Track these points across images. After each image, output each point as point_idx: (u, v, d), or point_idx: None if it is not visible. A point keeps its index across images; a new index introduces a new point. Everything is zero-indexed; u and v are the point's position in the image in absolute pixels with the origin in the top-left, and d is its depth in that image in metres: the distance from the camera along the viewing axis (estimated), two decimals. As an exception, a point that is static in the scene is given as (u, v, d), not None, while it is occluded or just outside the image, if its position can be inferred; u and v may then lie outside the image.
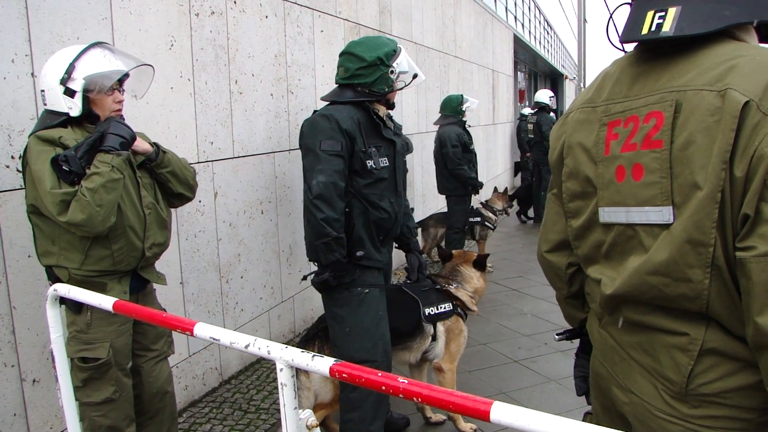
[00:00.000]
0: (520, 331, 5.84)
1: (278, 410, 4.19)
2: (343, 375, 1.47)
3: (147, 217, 2.80)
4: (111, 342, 2.73)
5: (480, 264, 4.03)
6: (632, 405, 1.56)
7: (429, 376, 4.07)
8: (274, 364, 5.02)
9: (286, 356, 1.56)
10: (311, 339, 3.62)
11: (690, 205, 1.34)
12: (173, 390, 3.14)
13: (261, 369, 4.92)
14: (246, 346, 1.64)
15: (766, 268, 1.24)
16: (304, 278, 3.63)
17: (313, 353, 1.53)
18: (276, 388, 4.49)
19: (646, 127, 1.42)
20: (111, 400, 2.77)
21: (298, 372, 3.57)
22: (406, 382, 1.40)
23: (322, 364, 1.51)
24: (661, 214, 1.39)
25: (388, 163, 3.26)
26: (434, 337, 3.76)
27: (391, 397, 3.66)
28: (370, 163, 3.17)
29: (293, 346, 1.61)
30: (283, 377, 1.57)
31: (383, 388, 1.42)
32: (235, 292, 4.70)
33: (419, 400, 1.37)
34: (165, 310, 3.01)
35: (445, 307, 3.77)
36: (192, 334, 1.75)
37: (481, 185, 7.59)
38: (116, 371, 2.77)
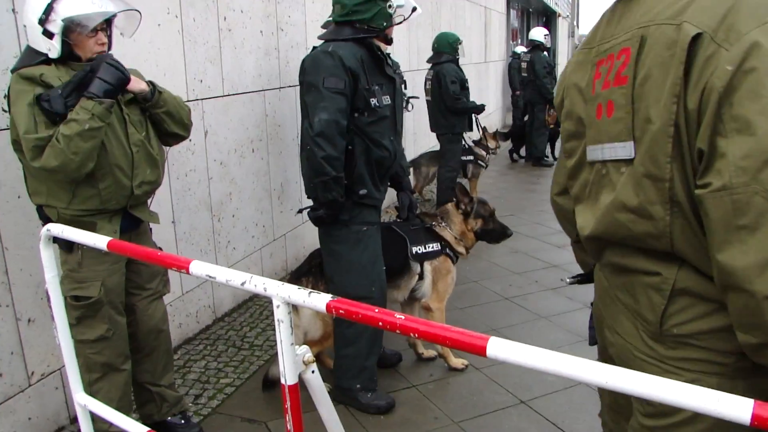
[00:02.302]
0: (511, 269, 5.90)
1: (271, 347, 4.26)
2: (340, 311, 1.48)
3: (135, 155, 2.74)
4: (102, 281, 2.73)
5: (459, 206, 3.92)
6: (617, 346, 1.58)
7: (420, 315, 4.10)
8: (267, 302, 5.06)
9: (282, 293, 1.56)
10: (304, 275, 3.64)
11: (645, 140, 1.34)
12: (168, 328, 3.16)
13: (254, 307, 4.97)
14: (242, 284, 1.64)
15: (721, 204, 1.21)
16: (299, 212, 3.66)
17: (310, 290, 1.54)
18: (269, 325, 4.60)
19: (618, 64, 1.42)
20: (104, 338, 2.78)
21: (287, 309, 3.60)
22: (403, 318, 1.40)
23: (319, 300, 1.51)
24: (626, 149, 1.39)
25: (390, 101, 3.24)
26: (422, 276, 3.79)
27: (384, 334, 3.71)
28: (373, 101, 3.14)
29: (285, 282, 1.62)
30: (280, 314, 1.58)
31: (380, 324, 1.43)
32: (227, 231, 4.70)
33: (416, 335, 1.38)
34: (161, 249, 3.01)
35: (432, 247, 3.78)
36: (188, 272, 1.75)
37: (482, 107, 7.56)
38: (108, 309, 2.78)
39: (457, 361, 3.98)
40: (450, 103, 7.26)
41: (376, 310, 1.44)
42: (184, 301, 4.30)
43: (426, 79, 7.59)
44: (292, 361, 1.62)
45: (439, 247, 3.80)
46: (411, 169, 8.05)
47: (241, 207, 4.87)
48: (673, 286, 1.40)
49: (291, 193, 5.60)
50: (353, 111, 3.13)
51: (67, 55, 2.62)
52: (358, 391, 3.48)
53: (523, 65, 11.37)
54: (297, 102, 5.42)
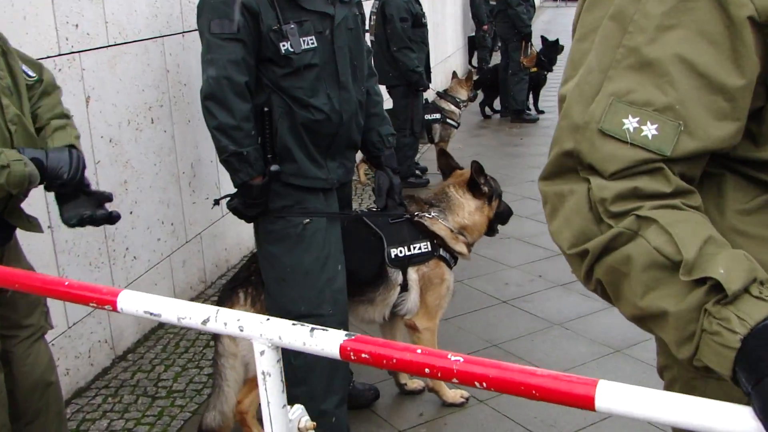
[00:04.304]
0: (505, 261, 5.89)
1: (198, 392, 4.19)
2: (362, 356, 1.35)
3: (13, 134, 2.59)
4: None
5: (474, 185, 3.84)
6: None
7: (404, 338, 4.06)
8: (183, 330, 4.90)
9: (268, 332, 1.43)
10: (241, 285, 3.55)
11: None
12: (57, 379, 3.06)
13: (166, 336, 4.89)
14: (204, 322, 1.48)
15: None
16: (216, 203, 3.63)
17: (312, 326, 1.38)
18: (189, 361, 4.54)
19: None
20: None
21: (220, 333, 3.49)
22: (461, 360, 1.28)
23: (326, 340, 1.39)
24: None
25: (316, 44, 3.18)
26: (405, 287, 3.72)
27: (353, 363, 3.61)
28: (285, 45, 3.10)
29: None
30: (266, 363, 1.45)
31: (427, 371, 1.33)
32: (123, 234, 4.59)
33: (485, 385, 1.27)
34: (32, 268, 2.96)
35: (419, 248, 3.70)
36: (115, 309, 1.56)
37: (425, 85, 7.54)
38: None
39: (455, 394, 3.96)
40: (396, 45, 7.21)
41: (419, 351, 1.33)
42: (70, 337, 4.15)
43: (371, 14, 7.47)
44: (285, 428, 1.51)
45: (429, 248, 3.70)
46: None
47: (141, 199, 4.75)
48: None
49: (205, 177, 5.52)
50: (263, 61, 3.14)
51: None
52: (323, 445, 3.37)
53: (492, -10, 11.41)
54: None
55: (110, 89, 4.45)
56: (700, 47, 1.25)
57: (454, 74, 8.92)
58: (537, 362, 4.29)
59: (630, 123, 1.24)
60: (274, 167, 3.17)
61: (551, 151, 1.35)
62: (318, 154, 3.29)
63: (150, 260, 4.87)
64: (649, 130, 1.24)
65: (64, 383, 4.02)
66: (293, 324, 1.41)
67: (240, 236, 5.99)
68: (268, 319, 1.43)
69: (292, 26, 3.11)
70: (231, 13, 3.01)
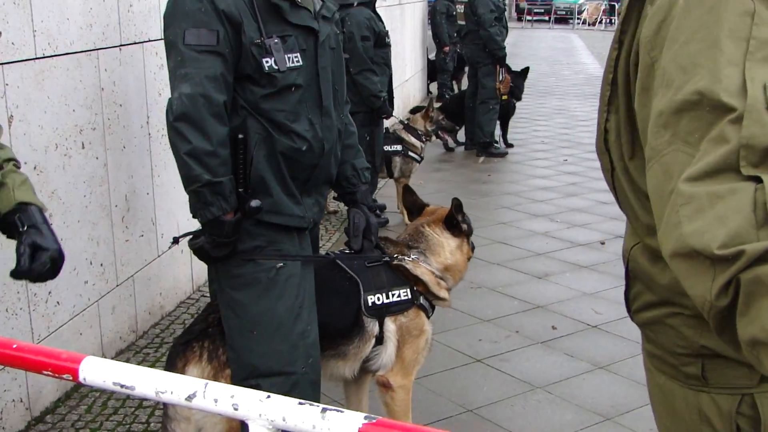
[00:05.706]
0: (478, 314, 5.88)
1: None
2: None
3: None
4: None
5: (452, 222, 3.91)
6: None
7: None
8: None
9: (270, 412, 1.35)
10: (196, 339, 3.45)
11: None
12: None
13: (91, 395, 4.74)
14: (189, 398, 1.37)
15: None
16: (175, 241, 3.58)
17: (323, 406, 1.30)
18: (119, 424, 4.43)
19: None
20: None
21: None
22: None
23: (341, 424, 1.32)
24: None
25: (301, 62, 3.17)
26: (380, 340, 3.70)
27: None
28: (268, 62, 3.08)
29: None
30: None
31: None
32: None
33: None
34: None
35: (399, 295, 3.68)
36: (76, 380, 1.45)
37: (389, 111, 7.65)
38: None
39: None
40: (357, 68, 7.30)
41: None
42: (-22, 395, 4.04)
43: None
44: None
45: (409, 295, 3.70)
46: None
47: (68, 236, 4.64)
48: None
49: (140, 211, 5.49)
50: (240, 79, 3.11)
51: None
52: None
53: (459, 9, 11.50)
54: (148, 67, 5.39)
55: (37, 108, 4.38)
56: None
57: (415, 110, 8.96)
58: (518, 431, 4.24)
59: None
60: (254, 202, 3.10)
61: (712, 151, 1.31)
62: (296, 189, 3.29)
63: (75, 306, 4.77)
64: None
65: (-30, 454, 3.93)
66: (300, 403, 1.32)
67: (177, 279, 5.94)
68: (268, 397, 1.35)
69: (276, 41, 3.09)
70: (211, 22, 2.99)
